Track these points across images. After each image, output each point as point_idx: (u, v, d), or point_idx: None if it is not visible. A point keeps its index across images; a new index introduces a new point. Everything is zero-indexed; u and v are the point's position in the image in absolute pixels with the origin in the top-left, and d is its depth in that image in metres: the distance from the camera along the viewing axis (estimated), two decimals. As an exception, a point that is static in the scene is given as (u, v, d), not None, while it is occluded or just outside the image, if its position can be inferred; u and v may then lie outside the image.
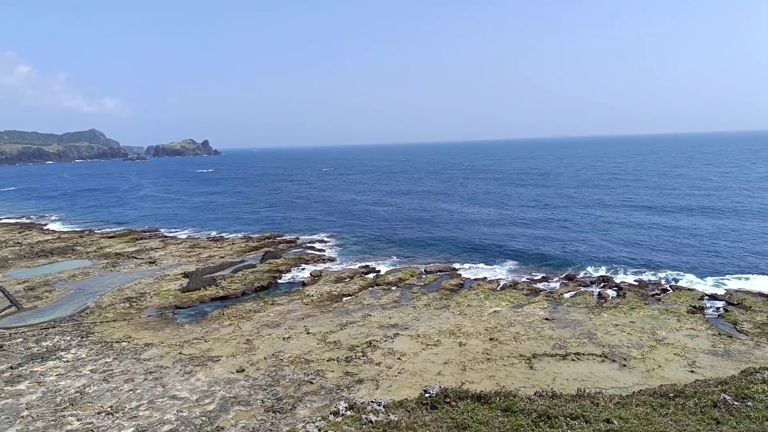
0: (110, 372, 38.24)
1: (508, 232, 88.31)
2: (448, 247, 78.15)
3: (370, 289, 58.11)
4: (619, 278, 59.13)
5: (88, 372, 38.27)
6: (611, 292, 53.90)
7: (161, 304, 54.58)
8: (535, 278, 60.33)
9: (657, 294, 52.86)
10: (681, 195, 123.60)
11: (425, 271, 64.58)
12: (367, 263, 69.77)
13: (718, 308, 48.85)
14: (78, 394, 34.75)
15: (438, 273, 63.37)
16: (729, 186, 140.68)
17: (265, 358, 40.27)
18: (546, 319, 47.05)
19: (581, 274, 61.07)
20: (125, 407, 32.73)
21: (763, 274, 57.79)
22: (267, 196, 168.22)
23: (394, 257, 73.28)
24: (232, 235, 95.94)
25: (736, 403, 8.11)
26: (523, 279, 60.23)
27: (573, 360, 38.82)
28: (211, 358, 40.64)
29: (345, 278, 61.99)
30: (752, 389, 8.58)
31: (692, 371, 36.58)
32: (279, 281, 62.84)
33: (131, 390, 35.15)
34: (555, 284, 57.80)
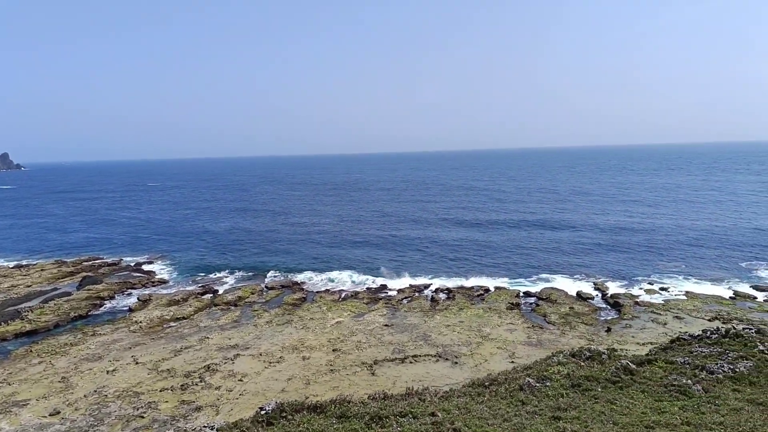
0: None
1: (350, 242, 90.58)
2: (290, 261, 77.65)
3: (207, 310, 55.36)
4: (449, 282, 63.88)
5: None
6: (442, 295, 58.05)
7: (-53, 347, 46.12)
8: (375, 287, 62.63)
9: (481, 294, 58.19)
10: (481, 209, 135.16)
11: (266, 287, 63.39)
12: (204, 284, 66.39)
13: (531, 303, 55.27)
14: None
15: (280, 288, 62.63)
16: (522, 199, 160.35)
17: (85, 395, 36.14)
18: (386, 325, 49.05)
19: (417, 281, 64.79)
20: None
21: (564, 274, 66.61)
22: (83, 215, 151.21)
23: (234, 275, 70.76)
24: (41, 261, 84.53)
25: (537, 384, 9.45)
26: (364, 288, 62.18)
27: (411, 362, 40.97)
28: (16, 403, 35.35)
29: (179, 301, 58.23)
30: (550, 371, 10.06)
31: (512, 362, 40.67)
32: (100, 309, 56.92)
33: None
34: (393, 291, 60.59)
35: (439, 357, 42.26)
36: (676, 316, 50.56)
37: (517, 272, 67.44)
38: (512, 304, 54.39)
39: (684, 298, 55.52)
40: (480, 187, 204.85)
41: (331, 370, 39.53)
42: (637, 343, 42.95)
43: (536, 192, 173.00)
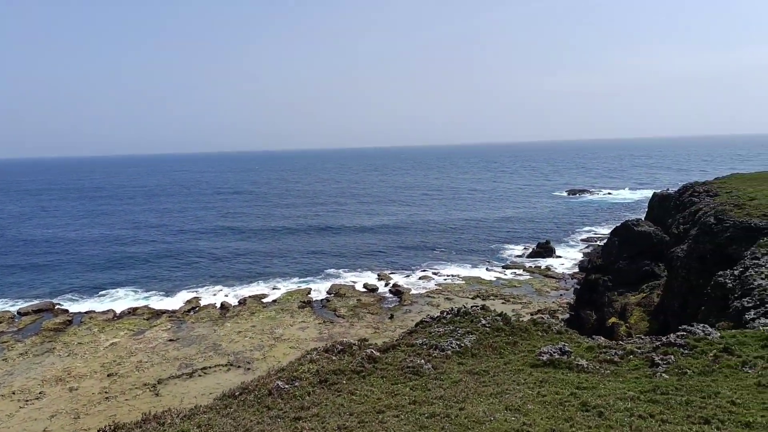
0: None
1: (123, 256, 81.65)
2: (49, 280, 67.16)
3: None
4: (239, 289, 61.92)
5: None
6: (233, 302, 56.13)
7: None
8: (156, 300, 57.76)
9: (272, 296, 57.74)
10: (260, 215, 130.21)
11: (19, 312, 53.87)
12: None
13: (322, 300, 56.60)
14: None
15: (37, 313, 53.77)
16: (294, 203, 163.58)
17: None
18: (170, 340, 45.69)
19: (202, 290, 61.23)
20: None
21: (351, 269, 69.65)
22: None
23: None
24: None
25: (286, 386, 9.53)
26: (143, 303, 56.87)
27: (201, 376, 38.84)
28: None
29: None
30: (300, 370, 10.26)
31: (306, 359, 41.48)
32: None
33: None
34: (178, 303, 56.54)
35: (231, 365, 40.88)
36: (447, 298, 56.52)
37: (307, 272, 68.34)
38: (304, 302, 55.07)
39: (452, 281, 62.35)
40: (247, 190, 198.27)
41: (107, 397, 35.46)
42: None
43: (305, 195, 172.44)
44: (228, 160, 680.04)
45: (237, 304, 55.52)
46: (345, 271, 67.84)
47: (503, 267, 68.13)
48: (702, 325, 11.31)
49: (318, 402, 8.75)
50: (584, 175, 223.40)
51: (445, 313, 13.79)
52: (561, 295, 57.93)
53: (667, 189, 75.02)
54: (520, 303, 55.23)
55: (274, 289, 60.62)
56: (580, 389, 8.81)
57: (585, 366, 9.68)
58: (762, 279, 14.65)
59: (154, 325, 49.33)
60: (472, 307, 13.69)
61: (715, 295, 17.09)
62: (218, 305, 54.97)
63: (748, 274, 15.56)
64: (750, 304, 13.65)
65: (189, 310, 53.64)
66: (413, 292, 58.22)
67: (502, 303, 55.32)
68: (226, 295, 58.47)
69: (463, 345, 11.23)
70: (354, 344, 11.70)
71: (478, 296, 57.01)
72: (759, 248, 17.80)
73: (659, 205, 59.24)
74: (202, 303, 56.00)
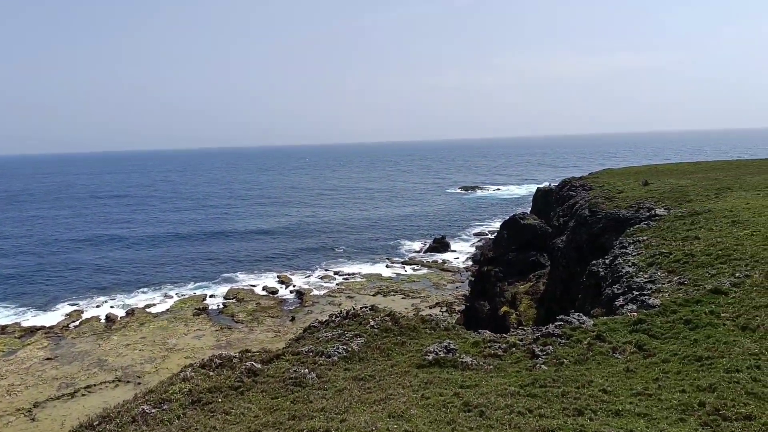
0: None
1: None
2: None
3: None
4: (127, 299, 57.32)
5: None
6: (119, 313, 51.84)
7: None
8: (30, 316, 51.86)
9: (159, 305, 54.01)
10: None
11: None
12: None
13: (218, 305, 53.95)
14: None
15: None
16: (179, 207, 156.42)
17: None
18: (48, 358, 41.32)
19: (83, 303, 55.83)
20: None
21: (249, 272, 66.79)
22: None
23: None
24: None
25: (154, 410, 8.51)
26: (13, 320, 50.74)
27: (84, 395, 35.53)
28: None
29: None
30: (171, 391, 9.23)
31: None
32: None
33: None
34: (56, 317, 51.17)
35: (119, 381, 37.83)
36: (349, 296, 56.19)
37: (201, 278, 64.47)
38: (199, 309, 52.15)
39: (353, 280, 62.11)
40: (130, 193, 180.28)
41: (-31, 429, 31.32)
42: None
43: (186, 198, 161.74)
44: (101, 161, 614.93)
45: (124, 315, 51.31)
46: (243, 275, 65.11)
47: (402, 263, 69.03)
48: (577, 314, 11.71)
49: (187, 426, 7.82)
50: (475, 172, 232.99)
51: (333, 317, 13.23)
52: (457, 287, 59.75)
53: (549, 184, 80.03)
54: (419, 297, 56.19)
55: (165, 297, 56.74)
56: (464, 388, 8.66)
57: (469, 363, 9.58)
58: (629, 266, 15.65)
59: (28, 344, 44.34)
60: (361, 308, 13.26)
61: (589, 283, 18.15)
62: (103, 318, 50.47)
63: (617, 262, 16.59)
64: (619, 291, 14.48)
65: (68, 325, 48.78)
66: (315, 292, 57.24)
67: (402, 298, 55.99)
68: (112, 307, 53.83)
69: (350, 349, 10.72)
70: (234, 356, 10.78)
71: (379, 293, 57.25)
72: (626, 237, 19.12)
73: (542, 199, 62.91)
74: (85, 316, 51.13)
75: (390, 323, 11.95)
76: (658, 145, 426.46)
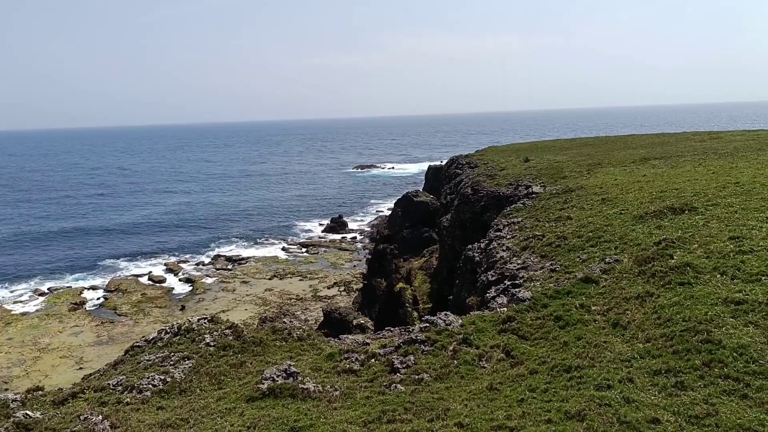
0: None
1: None
2: None
3: None
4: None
5: None
6: (-21, 314, 44.79)
7: None
8: None
9: (29, 302, 47.33)
10: None
11: None
12: None
13: (99, 298, 48.34)
14: None
15: None
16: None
17: None
18: None
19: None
20: None
21: (133, 260, 60.13)
22: None
23: None
24: None
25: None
26: None
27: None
28: None
29: None
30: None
31: (81, 368, 34.84)
32: None
33: None
34: None
35: (-24, 391, 32.17)
36: (243, 281, 52.73)
37: (77, 269, 56.80)
38: (75, 304, 46.37)
39: (248, 264, 58.39)
40: None
41: None
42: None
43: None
44: None
45: (-16, 315, 44.43)
46: (126, 263, 58.72)
47: (299, 245, 66.13)
48: (444, 313, 10.17)
49: None
50: (370, 151, 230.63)
51: (163, 333, 10.69)
52: (355, 266, 58.14)
53: (440, 161, 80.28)
54: (317, 278, 54.01)
55: (35, 292, 49.72)
56: (295, 431, 6.64)
57: (311, 391, 7.57)
58: (503, 251, 14.47)
59: None
60: (198, 320, 10.83)
61: (466, 268, 16.95)
62: (-43, 320, 43.31)
63: (491, 246, 15.43)
64: (493, 278, 13.24)
65: None
66: (206, 280, 53.04)
67: (300, 280, 53.48)
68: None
69: (171, 379, 8.33)
70: (15, 399, 7.98)
71: (275, 276, 54.35)
72: (502, 218, 18.10)
73: (434, 176, 62.73)
74: (-67, 320, 43.63)
75: (231, 338, 9.63)
76: (543, 123, 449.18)
